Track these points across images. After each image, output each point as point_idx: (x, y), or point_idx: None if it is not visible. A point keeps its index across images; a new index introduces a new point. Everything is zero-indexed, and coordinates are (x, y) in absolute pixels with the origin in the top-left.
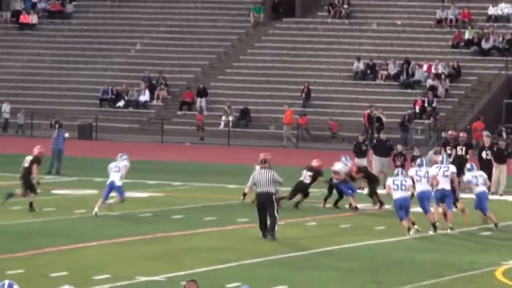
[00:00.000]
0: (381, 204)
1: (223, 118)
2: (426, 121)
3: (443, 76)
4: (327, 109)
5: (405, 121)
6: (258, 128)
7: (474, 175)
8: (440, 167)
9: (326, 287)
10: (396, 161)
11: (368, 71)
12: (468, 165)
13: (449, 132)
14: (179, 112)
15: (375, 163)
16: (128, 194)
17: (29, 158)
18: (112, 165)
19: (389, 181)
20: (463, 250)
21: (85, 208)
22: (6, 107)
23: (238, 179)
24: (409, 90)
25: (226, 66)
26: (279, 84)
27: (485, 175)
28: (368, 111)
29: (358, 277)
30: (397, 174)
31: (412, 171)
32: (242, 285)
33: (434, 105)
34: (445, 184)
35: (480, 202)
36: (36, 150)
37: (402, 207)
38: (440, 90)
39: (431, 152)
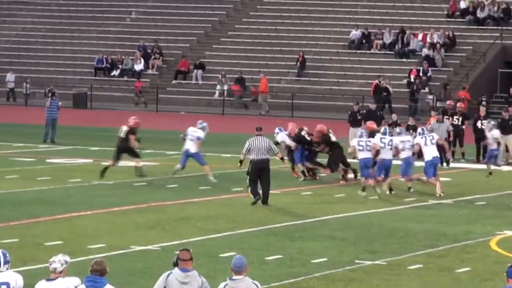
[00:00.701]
0: (355, 173)
1: (218, 87)
2: (422, 91)
3: (438, 45)
4: (322, 79)
5: (414, 90)
6: (253, 97)
7: (401, 140)
8: (425, 137)
9: (320, 256)
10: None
11: (363, 41)
12: (397, 129)
13: (448, 102)
14: (174, 81)
15: (349, 133)
16: (122, 163)
17: (125, 128)
18: (190, 131)
19: (354, 141)
20: (458, 220)
21: (80, 177)
22: (10, 76)
23: (233, 148)
24: (404, 60)
25: (221, 36)
26: (274, 53)
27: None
28: (376, 81)
29: (352, 246)
30: (361, 136)
31: (376, 139)
32: (236, 255)
33: (429, 74)
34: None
35: (406, 168)
36: (132, 121)
37: (367, 166)
38: (435, 60)
39: (433, 121)
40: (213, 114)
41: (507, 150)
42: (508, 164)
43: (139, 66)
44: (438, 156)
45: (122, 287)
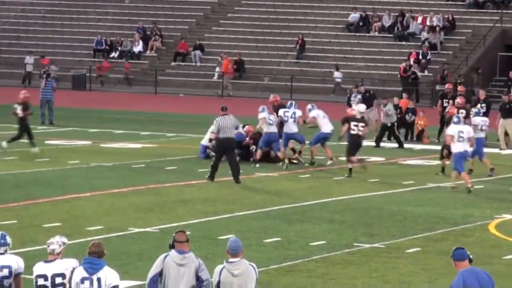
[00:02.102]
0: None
1: (217, 69)
2: (421, 74)
3: (437, 28)
4: (321, 61)
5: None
6: (252, 79)
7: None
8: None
9: (319, 239)
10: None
11: (362, 23)
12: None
13: (447, 85)
14: (173, 63)
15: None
16: (121, 144)
17: (19, 106)
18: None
19: (281, 112)
20: (456, 203)
21: (79, 158)
22: (29, 59)
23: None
24: (404, 43)
25: (220, 18)
26: (273, 36)
27: None
28: (403, 64)
29: (350, 229)
30: (290, 106)
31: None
32: (232, 237)
33: (428, 57)
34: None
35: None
36: (21, 95)
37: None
38: (435, 43)
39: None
40: (212, 96)
41: (506, 134)
42: (509, 148)
43: (138, 48)
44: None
45: (120, 269)
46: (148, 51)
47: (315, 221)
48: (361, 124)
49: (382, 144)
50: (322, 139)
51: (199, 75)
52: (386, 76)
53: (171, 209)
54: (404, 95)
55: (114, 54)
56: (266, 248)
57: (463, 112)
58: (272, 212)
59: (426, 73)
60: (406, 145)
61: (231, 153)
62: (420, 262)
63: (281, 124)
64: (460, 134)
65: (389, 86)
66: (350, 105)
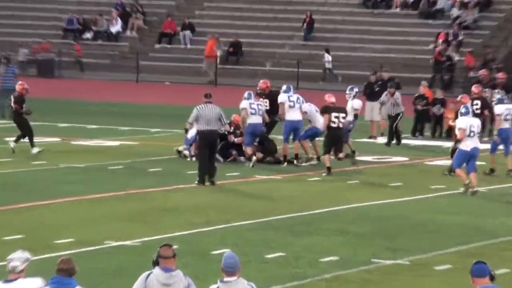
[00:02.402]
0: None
1: None
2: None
3: (471, 4)
4: (333, 43)
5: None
6: (251, 65)
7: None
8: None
9: (330, 254)
10: (416, 104)
11: None
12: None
13: (481, 71)
14: (157, 46)
15: (366, 108)
16: (96, 142)
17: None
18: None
19: (283, 97)
20: (496, 211)
21: (46, 159)
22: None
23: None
24: (430, 21)
25: None
26: (276, 13)
27: None
28: (438, 48)
29: (369, 243)
30: (288, 91)
31: (282, 96)
32: (228, 252)
33: (460, 38)
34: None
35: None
36: (18, 87)
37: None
38: (468, 21)
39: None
40: (204, 85)
41: None
42: None
43: (116, 28)
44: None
45: None
46: (128, 31)
47: (326, 232)
48: (342, 115)
49: (405, 141)
50: (313, 135)
51: (188, 60)
52: (410, 60)
53: (155, 219)
54: (424, 82)
55: (87, 35)
56: (268, 265)
57: (477, 104)
58: (274, 222)
59: (458, 57)
60: (434, 143)
61: (214, 148)
62: (451, 282)
63: (268, 111)
64: (471, 129)
65: (413, 73)
66: (367, 95)
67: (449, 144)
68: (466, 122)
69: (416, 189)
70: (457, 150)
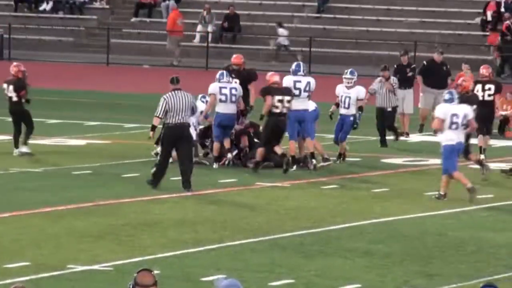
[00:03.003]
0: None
1: (199, 28)
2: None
3: None
4: (353, 16)
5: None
6: (251, 43)
7: None
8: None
9: (351, 281)
10: None
11: None
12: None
13: None
14: (133, 19)
15: (426, 96)
16: (56, 140)
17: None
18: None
19: (289, 80)
20: None
21: None
22: None
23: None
24: None
25: None
26: None
27: None
28: (507, 22)
29: (399, 266)
30: (297, 70)
31: (288, 79)
32: (225, 279)
33: None
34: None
35: None
36: (13, 69)
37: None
38: None
39: None
40: (192, 68)
41: None
42: None
43: None
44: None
45: None
46: (96, 2)
47: (346, 253)
48: (287, 98)
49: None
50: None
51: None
52: (450, 37)
53: (131, 237)
54: (466, 66)
55: (45, 6)
56: None
57: (490, 88)
58: (281, 241)
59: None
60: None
61: (184, 145)
62: None
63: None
64: (454, 119)
65: (456, 53)
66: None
67: (501, 143)
68: (446, 111)
69: (457, 199)
70: (442, 150)
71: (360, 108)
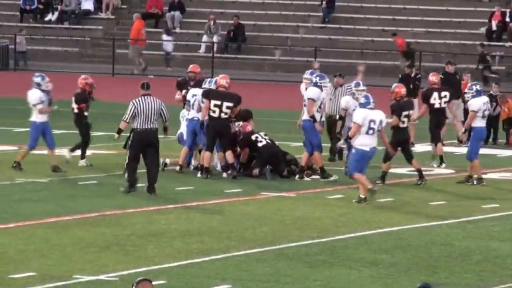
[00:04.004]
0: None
1: (205, 38)
2: (509, 44)
3: None
4: (358, 26)
5: None
6: (257, 53)
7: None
8: None
9: None
10: None
11: None
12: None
13: None
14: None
15: None
16: (62, 151)
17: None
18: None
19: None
20: None
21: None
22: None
23: None
24: None
25: None
26: None
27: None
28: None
29: (405, 276)
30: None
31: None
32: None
33: None
34: None
35: None
36: (80, 82)
37: None
38: None
39: None
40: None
41: None
42: None
43: (86, 6)
44: None
45: None
46: (102, 12)
47: (351, 263)
48: (226, 104)
49: (449, 149)
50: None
51: (178, 48)
52: (455, 47)
53: (137, 247)
54: (468, 75)
55: (51, 17)
56: None
57: (446, 96)
58: (287, 251)
59: None
60: (487, 151)
61: (151, 151)
62: None
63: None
64: (371, 125)
65: (461, 63)
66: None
67: (507, 153)
68: (365, 116)
69: (463, 209)
70: (354, 155)
71: (341, 118)
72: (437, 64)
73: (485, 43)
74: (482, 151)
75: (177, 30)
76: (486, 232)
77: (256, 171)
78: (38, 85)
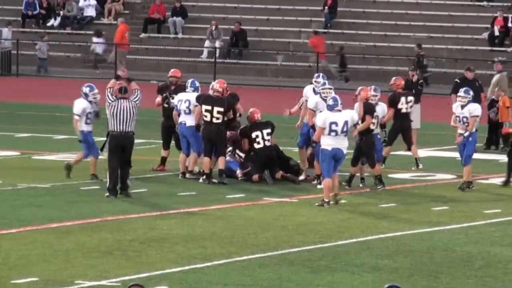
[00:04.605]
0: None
1: (207, 43)
2: (511, 49)
3: None
4: (360, 31)
5: None
6: (258, 58)
7: None
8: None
9: None
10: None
11: None
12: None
13: None
14: (142, 35)
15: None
16: (64, 156)
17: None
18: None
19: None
20: None
21: (1, 177)
22: (8, 33)
23: None
24: (485, 3)
25: None
26: None
27: None
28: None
29: (406, 281)
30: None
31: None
32: None
33: None
34: None
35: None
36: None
37: None
38: None
39: None
40: (200, 84)
41: None
42: None
43: (89, 12)
44: None
45: None
46: (104, 18)
47: (354, 269)
48: (217, 109)
49: (449, 154)
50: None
51: (180, 53)
52: (457, 52)
53: (139, 252)
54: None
55: (53, 22)
56: None
57: (411, 100)
58: (289, 256)
59: None
60: (488, 156)
61: (126, 154)
62: None
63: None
64: (333, 127)
65: (463, 68)
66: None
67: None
68: (326, 119)
69: (464, 214)
70: (320, 155)
71: (383, 126)
72: (439, 69)
73: (487, 48)
74: (485, 156)
75: (180, 35)
76: (488, 238)
77: (255, 176)
78: (86, 96)
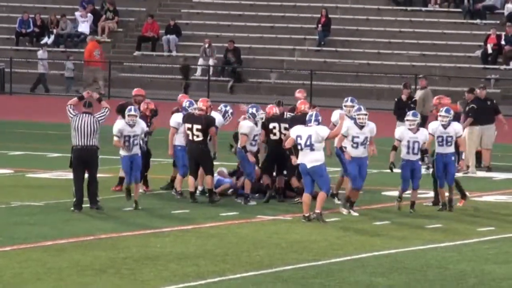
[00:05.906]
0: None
1: (200, 61)
2: (504, 67)
3: None
4: (355, 49)
5: None
6: (252, 76)
7: None
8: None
9: None
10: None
11: None
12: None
13: None
14: (135, 53)
15: (471, 133)
16: (58, 174)
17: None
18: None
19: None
20: None
21: None
22: (69, 64)
23: (223, 153)
24: (478, 21)
25: None
26: (283, 11)
27: None
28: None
29: None
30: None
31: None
32: None
33: None
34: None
35: None
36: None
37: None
38: None
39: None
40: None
41: None
42: None
43: (83, 29)
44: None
45: None
46: (98, 36)
47: (348, 286)
48: (196, 126)
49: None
50: None
51: (174, 70)
52: (451, 70)
53: (133, 270)
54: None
55: (47, 40)
56: None
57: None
58: (283, 274)
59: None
60: (483, 174)
61: (91, 169)
62: None
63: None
64: (298, 140)
65: (456, 86)
66: (398, 115)
67: (503, 176)
68: (295, 132)
69: (459, 232)
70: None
71: (424, 152)
72: (433, 87)
73: (480, 66)
74: (479, 174)
75: (173, 53)
76: (481, 255)
77: (266, 179)
78: (123, 117)
